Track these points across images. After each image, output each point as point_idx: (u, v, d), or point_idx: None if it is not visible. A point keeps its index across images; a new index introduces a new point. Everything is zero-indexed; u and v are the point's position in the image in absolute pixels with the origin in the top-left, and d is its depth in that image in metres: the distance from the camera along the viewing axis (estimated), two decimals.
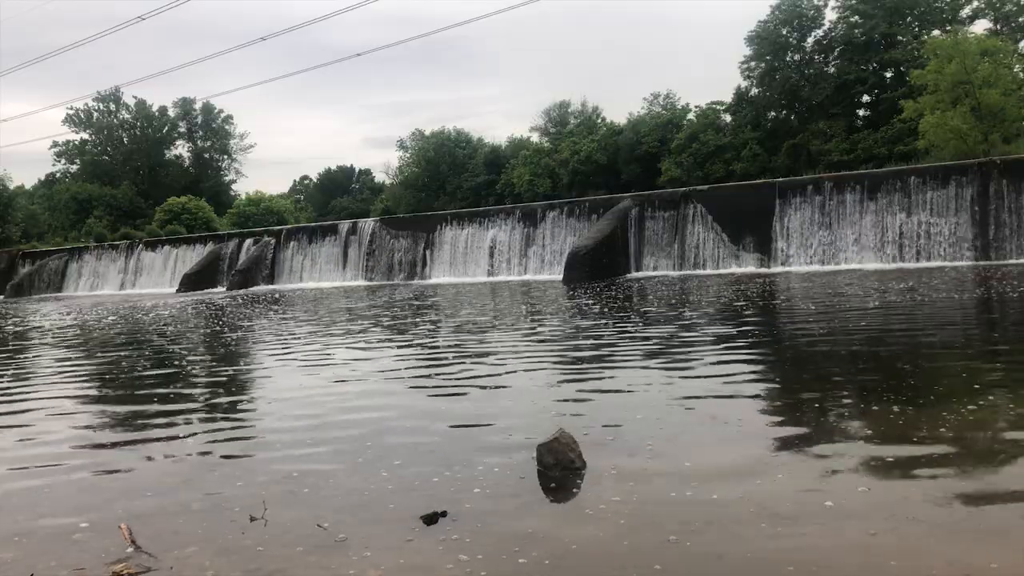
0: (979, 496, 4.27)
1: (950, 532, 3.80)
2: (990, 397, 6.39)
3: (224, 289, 40.73)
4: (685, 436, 5.73)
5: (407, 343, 12.70)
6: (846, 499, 4.20)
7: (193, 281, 41.97)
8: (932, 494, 4.29)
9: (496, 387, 8.17)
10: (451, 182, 68.26)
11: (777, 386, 7.61)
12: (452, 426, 6.47)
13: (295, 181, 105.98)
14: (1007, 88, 32.42)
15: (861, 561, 3.49)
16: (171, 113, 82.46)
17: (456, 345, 12.00)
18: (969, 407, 6.05)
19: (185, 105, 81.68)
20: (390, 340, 13.29)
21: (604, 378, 8.36)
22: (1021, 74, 36.50)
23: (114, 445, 6.64)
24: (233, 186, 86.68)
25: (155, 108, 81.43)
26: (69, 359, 13.17)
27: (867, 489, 4.33)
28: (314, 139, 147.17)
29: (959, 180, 25.42)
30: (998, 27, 44.77)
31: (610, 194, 39.63)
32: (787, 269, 27.27)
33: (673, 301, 17.69)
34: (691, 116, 57.10)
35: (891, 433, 5.49)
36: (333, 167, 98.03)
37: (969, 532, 3.80)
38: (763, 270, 27.71)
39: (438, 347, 11.89)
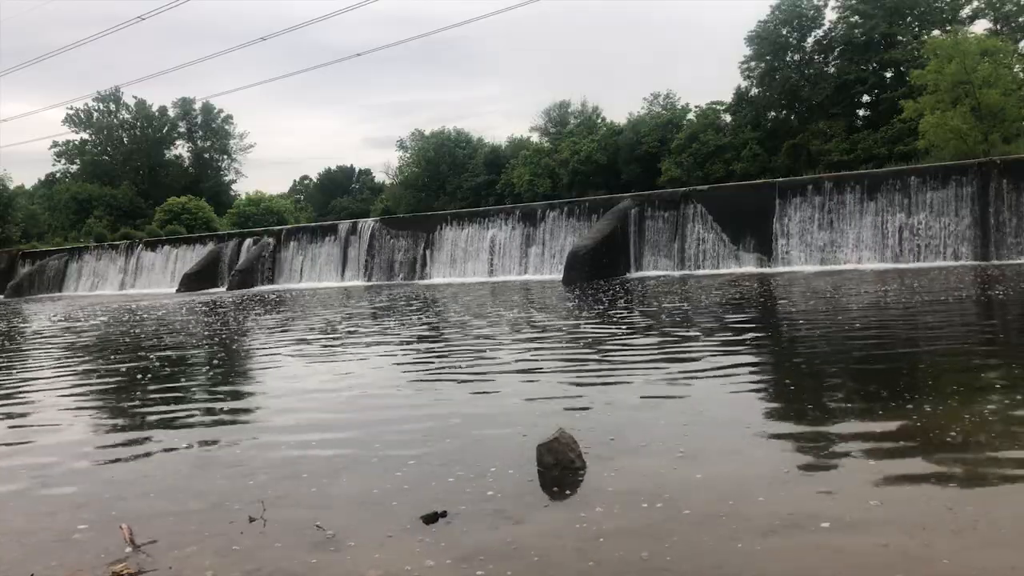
0: (992, 498, 4.24)
1: (965, 537, 3.76)
2: (998, 399, 6.39)
3: (224, 289, 40.73)
4: (686, 438, 5.72)
5: (407, 343, 12.69)
6: (855, 509, 4.09)
7: (193, 281, 41.98)
8: (944, 499, 4.24)
9: (496, 387, 8.16)
10: (451, 182, 68.28)
11: (782, 390, 7.60)
12: (452, 426, 6.47)
13: (295, 181, 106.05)
14: (1007, 88, 32.43)
15: (872, 573, 3.43)
16: (171, 113, 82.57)
17: (456, 345, 12.00)
18: (979, 409, 6.04)
19: (185, 105, 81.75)
20: (390, 340, 13.28)
21: (605, 378, 8.36)
22: (1021, 74, 36.52)
23: (114, 445, 6.63)
24: (233, 186, 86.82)
25: (155, 108, 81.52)
26: (67, 360, 13.17)
27: (878, 502, 4.19)
28: (314, 139, 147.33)
29: (959, 180, 25.41)
30: (998, 27, 44.77)
31: (610, 194, 39.62)
32: (787, 269, 27.26)
33: (674, 301, 17.69)
34: (691, 116, 57.14)
35: (900, 437, 5.45)
36: (333, 167, 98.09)
37: (983, 535, 3.78)
38: (763, 270, 27.71)
39: (437, 347, 11.89)
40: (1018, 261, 23.45)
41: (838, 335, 10.95)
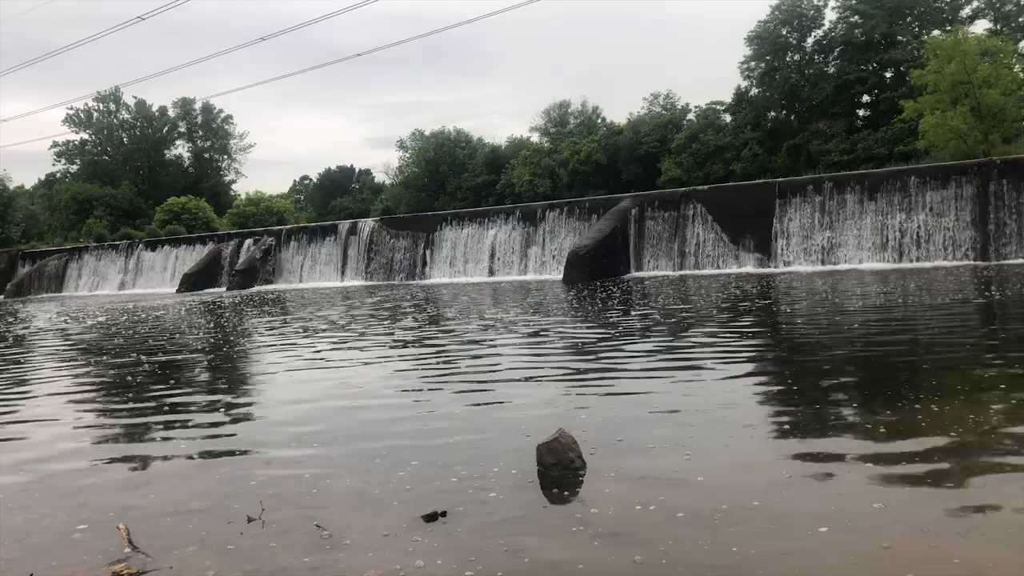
0: (996, 499, 4.22)
1: (971, 538, 3.73)
2: (1000, 399, 6.38)
3: (224, 289, 40.74)
4: (690, 440, 5.71)
5: (406, 345, 12.69)
6: (857, 512, 4.06)
7: (193, 281, 42.01)
8: (948, 501, 4.21)
9: (500, 388, 8.15)
10: (451, 182, 68.31)
11: (784, 391, 7.58)
12: (456, 427, 6.46)
13: (295, 181, 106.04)
14: (1007, 88, 32.44)
15: (873, 574, 3.40)
16: (171, 113, 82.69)
17: (456, 346, 12.00)
18: (982, 410, 6.04)
19: (185, 105, 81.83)
20: (390, 341, 13.28)
21: (605, 379, 8.35)
22: (1021, 74, 36.50)
23: (114, 446, 6.63)
24: (233, 186, 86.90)
25: (155, 108, 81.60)
26: (65, 360, 13.17)
27: (882, 505, 4.14)
28: (315, 139, 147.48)
29: (959, 180, 25.43)
30: (998, 27, 44.76)
31: (610, 194, 39.64)
32: (787, 269, 27.28)
33: (674, 301, 17.69)
34: (691, 116, 57.21)
35: (904, 439, 5.42)
36: (333, 167, 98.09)
37: (989, 536, 3.77)
38: (763, 270, 27.71)
39: (438, 348, 11.88)
40: (1018, 261, 23.45)
41: (839, 336, 10.95)
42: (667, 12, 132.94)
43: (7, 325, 22.90)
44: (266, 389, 9.24)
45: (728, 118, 54.92)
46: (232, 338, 15.23)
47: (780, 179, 31.76)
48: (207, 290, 41.27)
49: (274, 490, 4.94)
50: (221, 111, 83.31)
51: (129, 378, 10.30)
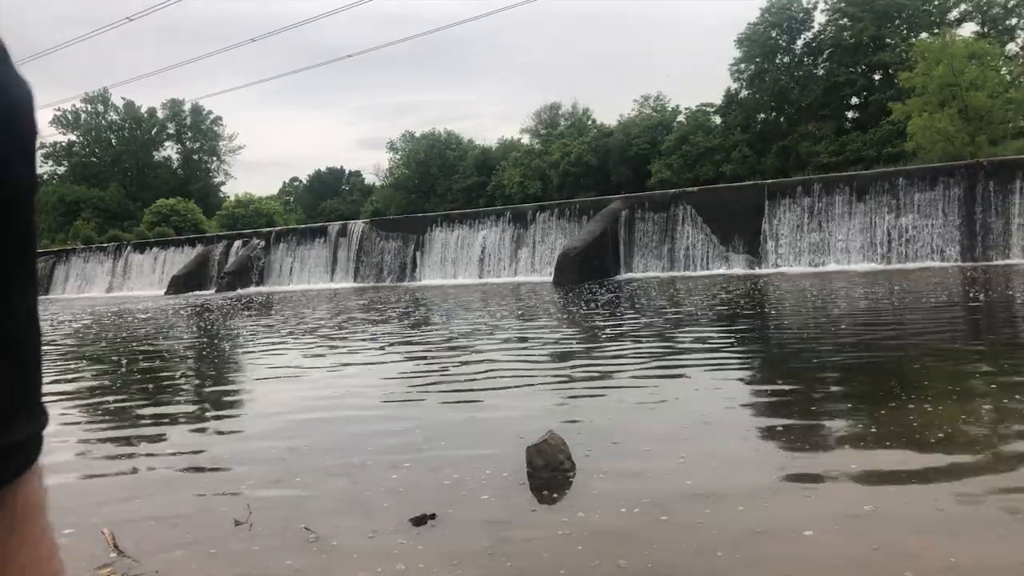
0: (985, 499, 4.23)
1: (962, 538, 3.74)
2: (988, 400, 6.40)
3: (213, 291, 40.54)
4: (684, 442, 5.70)
5: (396, 348, 12.65)
6: (847, 514, 4.04)
7: (182, 283, 41.77)
8: (938, 501, 4.22)
9: (493, 392, 8.12)
10: (441, 184, 68.30)
11: (775, 393, 7.59)
12: (449, 431, 6.43)
13: (284, 183, 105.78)
14: (994, 91, 32.71)
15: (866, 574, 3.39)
16: (160, 114, 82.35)
17: (446, 348, 11.97)
18: (971, 411, 6.06)
19: (174, 106, 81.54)
20: (379, 345, 13.23)
21: (598, 382, 8.33)
22: (1008, 77, 36.78)
23: (99, 450, 6.57)
24: (222, 188, 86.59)
25: (144, 109, 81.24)
26: (49, 364, 13.05)
27: (872, 507, 4.11)
28: (304, 140, 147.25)
29: (946, 182, 25.58)
30: (985, 30, 45.10)
31: (600, 196, 39.69)
32: (776, 270, 27.36)
33: (664, 303, 17.71)
34: (681, 118, 57.38)
35: (895, 442, 5.42)
36: (323, 169, 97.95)
37: (982, 535, 3.78)
38: (752, 271, 27.79)
39: (428, 351, 11.85)
40: (1003, 262, 23.61)
41: (828, 338, 10.98)
42: (656, 14, 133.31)
43: None
44: (254, 394, 9.19)
45: (718, 120, 55.16)
46: (219, 342, 15.14)
47: (769, 181, 31.86)
48: (196, 292, 41.06)
49: (262, 494, 4.90)
50: (210, 112, 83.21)
51: (111, 382, 10.22)
